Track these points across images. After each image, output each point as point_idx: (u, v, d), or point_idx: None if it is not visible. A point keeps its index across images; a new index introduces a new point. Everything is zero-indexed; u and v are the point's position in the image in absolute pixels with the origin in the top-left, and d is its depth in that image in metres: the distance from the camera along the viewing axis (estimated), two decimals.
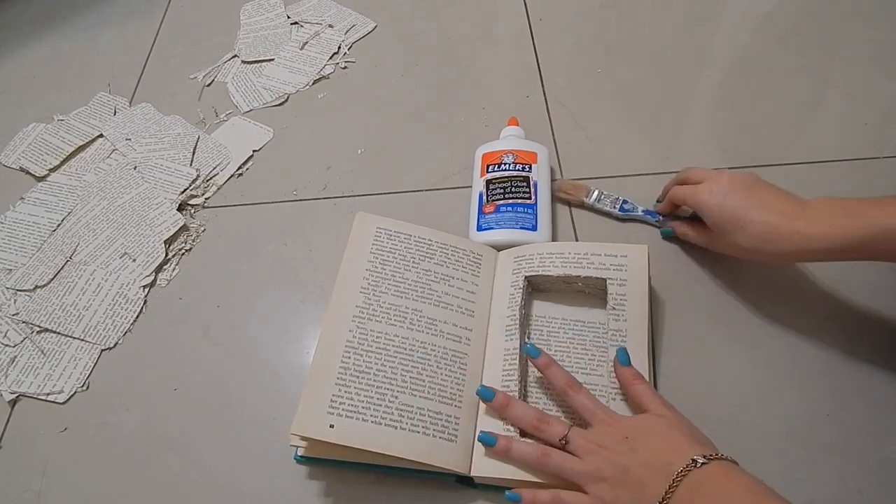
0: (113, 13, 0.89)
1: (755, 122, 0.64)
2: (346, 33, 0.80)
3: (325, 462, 0.46)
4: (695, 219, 0.53)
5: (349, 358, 0.46)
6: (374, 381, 0.45)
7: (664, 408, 0.42)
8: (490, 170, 0.59)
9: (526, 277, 0.51)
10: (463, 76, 0.73)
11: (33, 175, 0.70)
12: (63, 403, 0.53)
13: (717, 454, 0.37)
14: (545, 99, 0.70)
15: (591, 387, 0.46)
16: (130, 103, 0.76)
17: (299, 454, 0.45)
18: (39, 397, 0.54)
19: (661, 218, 0.57)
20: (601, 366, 0.47)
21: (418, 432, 0.43)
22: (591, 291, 0.51)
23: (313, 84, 0.75)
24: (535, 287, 0.52)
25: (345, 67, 0.77)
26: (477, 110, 0.69)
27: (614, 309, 0.48)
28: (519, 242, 0.54)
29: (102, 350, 0.56)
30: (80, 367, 0.55)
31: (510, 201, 0.57)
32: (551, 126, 0.67)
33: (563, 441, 0.41)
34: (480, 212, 0.57)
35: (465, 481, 0.44)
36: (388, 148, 0.68)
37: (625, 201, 0.58)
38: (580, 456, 0.40)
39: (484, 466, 0.43)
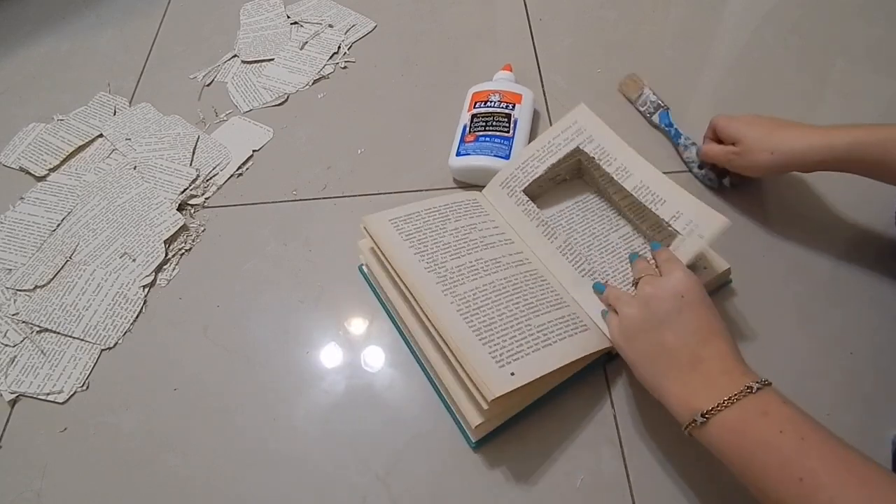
0: (113, 13, 0.89)
1: None
2: (345, 33, 0.80)
3: (495, 434, 0.48)
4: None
5: (471, 319, 0.46)
6: (505, 323, 0.46)
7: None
8: (477, 106, 0.64)
9: (523, 191, 0.55)
10: (463, 76, 0.73)
11: (33, 175, 0.70)
12: (63, 403, 0.53)
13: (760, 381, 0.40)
14: (545, 99, 0.70)
15: (606, 249, 0.54)
16: (130, 103, 0.76)
17: (474, 441, 0.47)
18: (39, 397, 0.54)
19: (682, 140, 0.62)
20: (612, 234, 0.55)
21: (565, 338, 0.47)
22: (569, 175, 0.59)
23: (313, 84, 0.75)
24: (529, 196, 0.56)
25: (345, 67, 0.77)
26: None
27: (600, 160, 0.54)
28: (490, 169, 0.59)
29: (102, 350, 0.56)
30: (80, 367, 0.55)
31: (490, 133, 0.62)
32: (551, 126, 0.66)
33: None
34: (462, 141, 0.62)
35: (609, 357, 0.50)
36: (388, 148, 0.68)
37: (666, 114, 0.64)
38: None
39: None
